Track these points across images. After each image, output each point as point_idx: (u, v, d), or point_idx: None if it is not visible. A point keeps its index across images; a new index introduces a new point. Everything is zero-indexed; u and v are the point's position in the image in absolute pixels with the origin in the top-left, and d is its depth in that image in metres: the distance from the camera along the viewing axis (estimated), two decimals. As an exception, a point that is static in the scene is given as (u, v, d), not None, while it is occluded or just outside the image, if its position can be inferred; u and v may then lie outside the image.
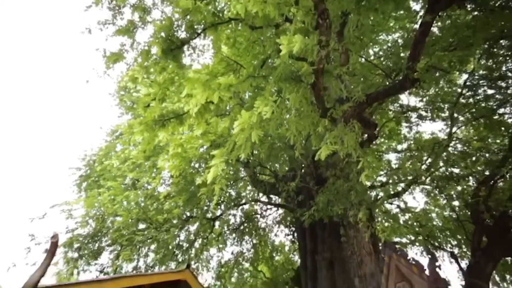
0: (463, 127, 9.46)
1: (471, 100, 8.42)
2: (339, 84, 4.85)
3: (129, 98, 11.00)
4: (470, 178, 8.52)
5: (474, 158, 8.45)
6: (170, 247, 10.55)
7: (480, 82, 7.95)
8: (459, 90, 8.52)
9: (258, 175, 9.98)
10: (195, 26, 5.04)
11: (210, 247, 12.77)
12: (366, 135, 7.53)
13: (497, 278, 10.50)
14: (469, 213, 7.92)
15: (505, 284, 10.54)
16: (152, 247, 10.76)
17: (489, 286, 6.80)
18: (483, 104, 8.13)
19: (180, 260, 10.77)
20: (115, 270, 9.88)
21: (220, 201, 10.30)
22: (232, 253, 14.04)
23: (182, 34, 5.24)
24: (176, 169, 4.73)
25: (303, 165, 8.85)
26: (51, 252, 2.73)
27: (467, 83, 8.13)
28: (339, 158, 6.44)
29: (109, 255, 10.01)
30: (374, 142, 8.88)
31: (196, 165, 9.49)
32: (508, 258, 9.15)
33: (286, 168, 10.65)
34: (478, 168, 8.46)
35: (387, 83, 7.35)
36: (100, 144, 11.74)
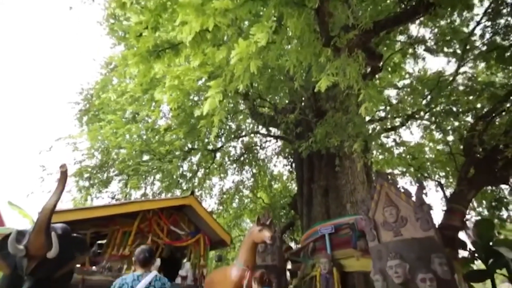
0: (472, 62, 9.02)
1: (489, 29, 7.80)
2: (345, 10, 4.45)
3: (120, 27, 10.24)
4: (470, 114, 8.52)
5: (477, 93, 8.29)
6: (174, 176, 11.17)
7: (502, 10, 7.26)
8: (476, 18, 7.85)
9: (257, 107, 9.95)
10: None
11: (212, 176, 13.55)
12: (369, 67, 7.25)
13: (475, 204, 11.45)
14: (462, 147, 8.16)
15: (481, 208, 11.55)
16: (158, 176, 11.40)
17: (467, 210, 7.44)
18: (500, 35, 7.57)
19: (184, 188, 11.54)
20: (125, 196, 10.66)
21: (220, 134, 10.50)
22: (233, 181, 14.95)
23: None
24: (175, 102, 4.66)
25: (303, 98, 8.76)
26: (62, 180, 2.89)
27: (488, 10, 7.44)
28: (339, 90, 6.33)
29: (118, 184, 10.71)
30: (377, 76, 8.62)
31: (195, 98, 9.40)
32: (489, 187, 9.81)
33: (286, 101, 10.57)
34: (480, 104, 8.37)
35: (398, 10, 6.75)
36: (95, 77, 11.45)
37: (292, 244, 13.08)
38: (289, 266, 8.29)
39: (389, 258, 4.42)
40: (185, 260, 7.00)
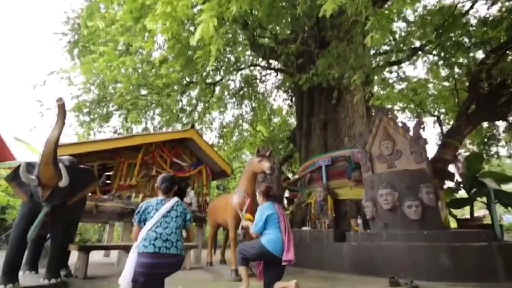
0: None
1: None
2: None
3: None
4: (482, 47, 7.99)
5: (495, 23, 7.65)
6: (174, 110, 11.16)
7: None
8: None
9: (257, 38, 9.34)
10: None
11: (212, 111, 13.54)
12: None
13: (468, 141, 11.74)
14: (467, 82, 7.93)
15: (472, 145, 11.89)
16: (157, 111, 11.39)
17: (461, 145, 7.64)
18: None
19: (184, 122, 11.64)
20: (126, 130, 10.82)
21: (219, 66, 10.10)
22: (232, 115, 14.99)
23: None
24: (168, 32, 4.34)
25: (305, 27, 8.16)
26: (61, 114, 2.87)
27: None
28: (345, 18, 5.86)
29: (118, 119, 10.76)
30: (386, 5, 7.84)
31: (192, 28, 8.74)
32: (485, 124, 9.90)
33: (288, 32, 9.89)
34: (496, 34, 7.78)
35: None
36: (80, 3, 10.46)
37: (290, 175, 13.84)
38: (286, 194, 8.90)
39: (381, 188, 4.72)
40: (189, 189, 7.48)
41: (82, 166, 4.01)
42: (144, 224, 2.29)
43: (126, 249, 4.89)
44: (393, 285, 3.44)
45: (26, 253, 3.55)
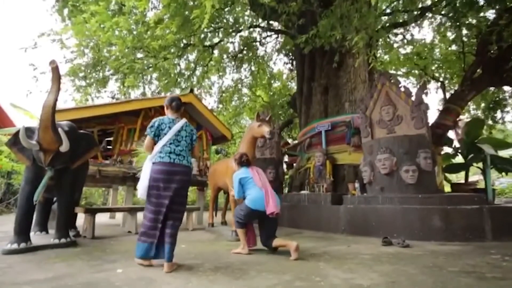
0: None
1: None
2: None
3: None
4: (496, 5, 7.50)
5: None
6: (172, 75, 10.89)
7: None
8: None
9: (257, -4, 8.82)
10: None
11: (211, 75, 13.21)
12: None
13: (471, 106, 11.60)
14: (475, 45, 7.61)
15: (476, 110, 11.77)
16: (154, 75, 11.12)
17: (463, 110, 7.56)
18: None
19: (183, 87, 11.41)
20: (124, 95, 10.66)
21: (217, 27, 9.65)
22: (232, 79, 14.66)
23: None
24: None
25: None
26: (55, 77, 2.79)
27: None
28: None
29: (115, 83, 10.53)
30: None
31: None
32: (491, 88, 9.69)
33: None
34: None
35: None
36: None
37: (290, 141, 13.92)
38: (286, 159, 9.03)
39: (379, 153, 4.77)
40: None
41: (82, 131, 4.01)
42: (158, 138, 2.61)
43: (130, 211, 5.08)
44: (386, 244, 3.63)
45: (35, 215, 3.69)
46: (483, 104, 11.12)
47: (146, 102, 6.76)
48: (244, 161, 3.43)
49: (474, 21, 7.62)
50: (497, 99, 10.60)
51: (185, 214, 5.78)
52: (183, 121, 2.72)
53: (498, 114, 10.85)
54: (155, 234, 2.49)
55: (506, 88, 9.92)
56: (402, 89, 5.12)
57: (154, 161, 2.54)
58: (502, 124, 11.19)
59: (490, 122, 10.82)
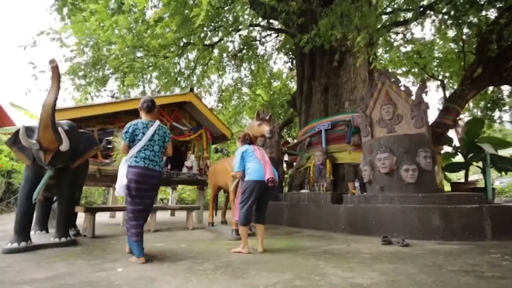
0: None
1: None
2: None
3: None
4: (497, 3, 7.48)
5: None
6: (172, 74, 10.88)
7: None
8: None
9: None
10: None
11: (211, 74, 13.20)
12: None
13: (471, 105, 11.58)
14: (475, 44, 7.60)
15: (475, 110, 11.75)
16: (154, 74, 11.10)
17: (463, 109, 7.55)
18: None
19: (183, 86, 11.41)
20: (124, 94, 10.65)
21: (216, 26, 9.63)
22: (232, 79, 14.66)
23: None
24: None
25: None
26: (55, 75, 2.79)
27: None
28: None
29: (115, 82, 10.52)
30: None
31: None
32: (490, 88, 9.67)
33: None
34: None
35: None
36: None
37: (290, 140, 13.92)
38: (286, 158, 9.03)
39: (379, 152, 4.77)
40: (190, 153, 7.56)
41: (82, 130, 4.00)
42: (133, 143, 2.77)
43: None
44: (386, 243, 3.63)
45: (35, 214, 3.69)
46: (482, 103, 11.11)
47: (146, 101, 6.74)
48: (247, 139, 3.62)
49: (475, 20, 7.60)
50: (495, 98, 10.59)
51: (186, 213, 5.80)
52: (156, 124, 2.84)
53: (496, 114, 10.85)
54: (143, 232, 2.78)
55: (504, 87, 9.90)
56: (402, 88, 5.12)
57: (130, 164, 2.73)
58: (500, 123, 11.18)
59: (487, 121, 10.80)
